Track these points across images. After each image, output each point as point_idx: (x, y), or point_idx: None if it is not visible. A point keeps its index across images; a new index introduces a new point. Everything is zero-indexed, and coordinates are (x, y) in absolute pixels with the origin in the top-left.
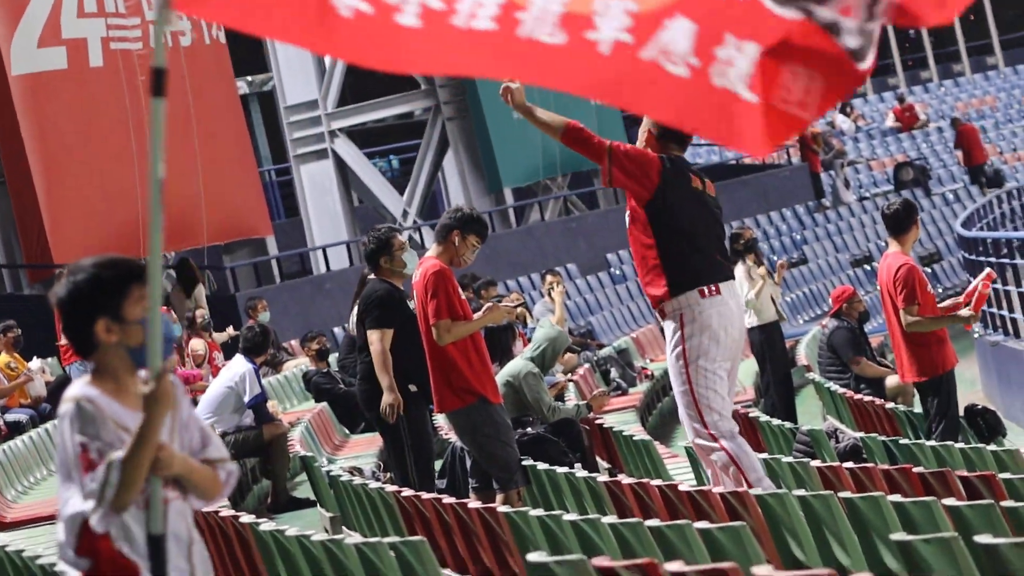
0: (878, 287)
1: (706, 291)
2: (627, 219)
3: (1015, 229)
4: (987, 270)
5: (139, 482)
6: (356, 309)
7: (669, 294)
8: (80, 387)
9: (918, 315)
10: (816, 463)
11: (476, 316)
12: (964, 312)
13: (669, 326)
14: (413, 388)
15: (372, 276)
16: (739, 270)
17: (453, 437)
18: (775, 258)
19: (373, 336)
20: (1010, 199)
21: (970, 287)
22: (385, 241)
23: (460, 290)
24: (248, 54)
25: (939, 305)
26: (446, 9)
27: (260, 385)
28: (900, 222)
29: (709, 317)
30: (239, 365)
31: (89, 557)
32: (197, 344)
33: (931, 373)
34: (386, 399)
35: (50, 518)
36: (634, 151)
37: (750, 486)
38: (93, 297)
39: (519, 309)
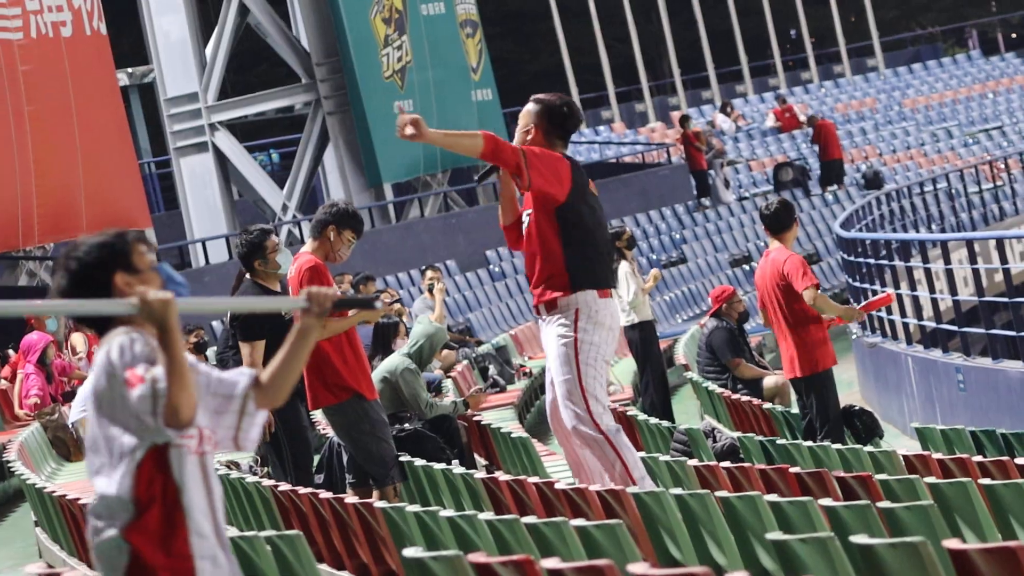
0: (755, 288)
1: (602, 293)
2: (525, 218)
3: (893, 231)
4: (888, 291)
5: (186, 377)
6: None
7: (570, 290)
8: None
9: (817, 295)
10: (693, 462)
11: (350, 313)
12: (855, 307)
13: (558, 320)
14: None
15: (247, 276)
16: (622, 268)
17: (330, 432)
18: (655, 257)
19: (244, 350)
20: (889, 200)
21: (873, 298)
22: (258, 244)
23: (334, 285)
24: (129, 47)
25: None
26: None
27: None
28: (780, 221)
29: (604, 316)
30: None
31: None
32: (77, 339)
33: (812, 370)
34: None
35: None
36: (545, 154)
37: (634, 482)
38: (103, 261)
39: (395, 306)
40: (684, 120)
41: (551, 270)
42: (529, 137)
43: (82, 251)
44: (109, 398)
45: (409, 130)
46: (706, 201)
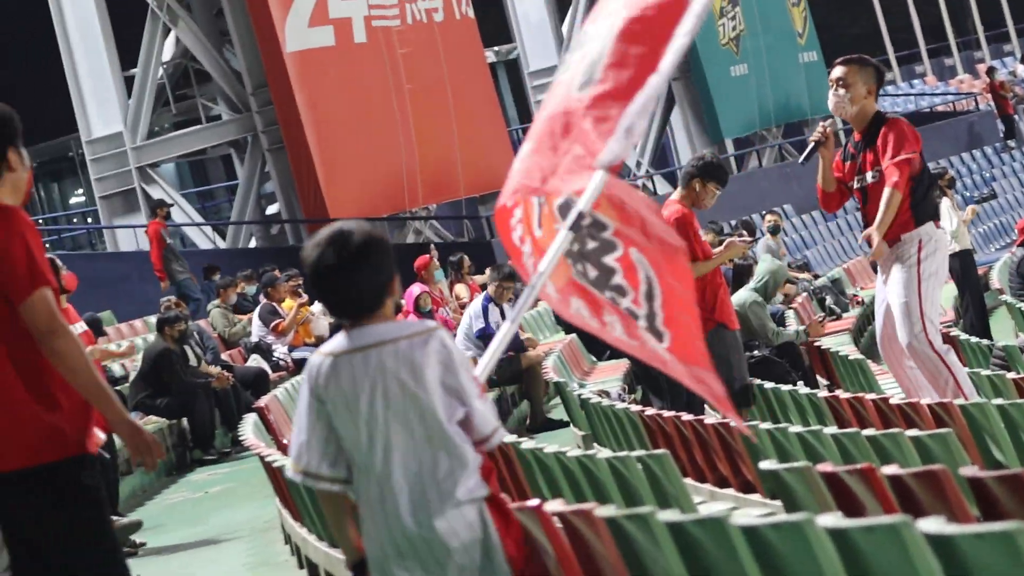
0: None
1: (937, 224)
2: (869, 179)
3: None
4: None
5: None
6: None
7: (915, 224)
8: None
9: None
10: (1011, 375)
11: (716, 252)
12: None
13: (905, 249)
14: None
15: None
16: (944, 204)
17: None
18: (968, 194)
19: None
20: None
21: None
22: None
23: (700, 231)
24: (495, 27)
25: None
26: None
27: (486, 319)
28: None
29: (941, 244)
30: (474, 303)
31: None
32: (461, 289)
33: None
34: None
35: None
36: (908, 129)
37: (965, 397)
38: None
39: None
40: (991, 72)
41: (899, 215)
42: (868, 97)
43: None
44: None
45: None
46: (1012, 143)
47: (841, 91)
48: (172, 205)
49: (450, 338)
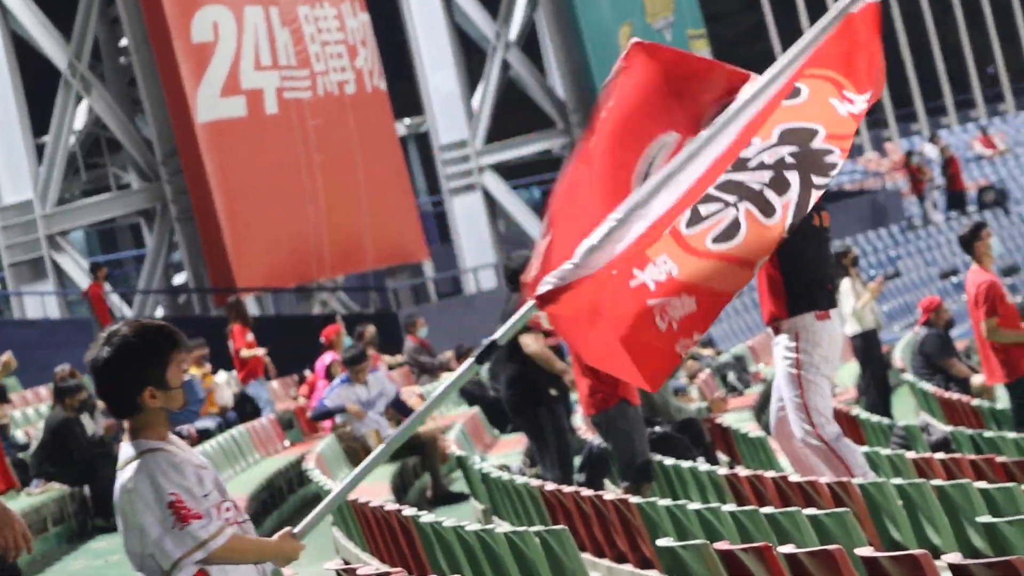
0: (965, 297)
1: (820, 315)
2: None
3: None
4: None
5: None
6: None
7: (788, 314)
8: (140, 446)
9: (997, 326)
10: (911, 455)
11: None
12: None
13: (784, 340)
14: (554, 392)
15: (514, 294)
16: (845, 283)
17: (589, 436)
18: (873, 272)
19: (527, 339)
20: None
21: None
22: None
23: None
24: (406, 99)
25: None
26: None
27: (335, 396)
28: (968, 243)
29: (822, 337)
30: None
31: None
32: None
33: (1014, 375)
34: (566, 378)
35: None
36: None
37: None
38: (140, 366)
39: None
40: (909, 155)
41: (775, 300)
42: None
43: (124, 345)
44: (153, 510)
45: None
46: (917, 222)
47: None
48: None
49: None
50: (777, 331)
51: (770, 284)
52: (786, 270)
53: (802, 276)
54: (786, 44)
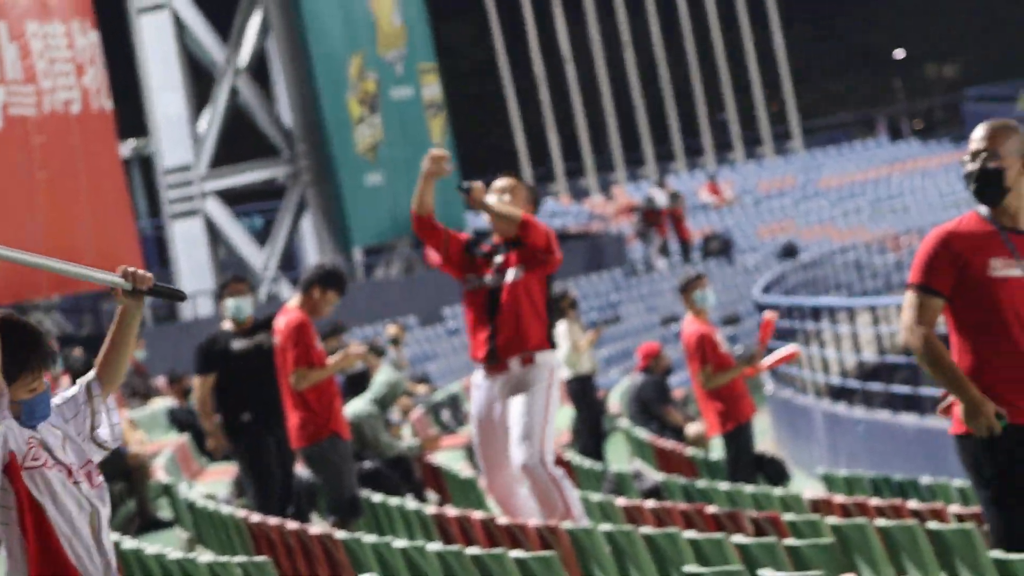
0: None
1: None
2: (511, 277)
3: (807, 295)
4: (792, 347)
5: None
6: None
7: (549, 346)
8: None
9: (712, 374)
10: (622, 501)
11: (329, 361)
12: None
13: (539, 371)
14: (247, 418)
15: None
16: (562, 326)
17: (300, 468)
18: (594, 316)
19: (195, 382)
20: (803, 269)
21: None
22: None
23: (317, 340)
24: (132, 120)
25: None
26: None
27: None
28: (682, 293)
29: (559, 373)
30: None
31: None
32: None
33: (731, 424)
34: (208, 443)
35: None
36: (550, 231)
37: (573, 518)
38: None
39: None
40: (650, 201)
41: (537, 330)
42: (511, 200)
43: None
44: None
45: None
46: (640, 267)
47: (506, 197)
48: None
49: None
50: (527, 363)
51: (533, 319)
52: (549, 307)
53: (552, 314)
54: (518, 80)
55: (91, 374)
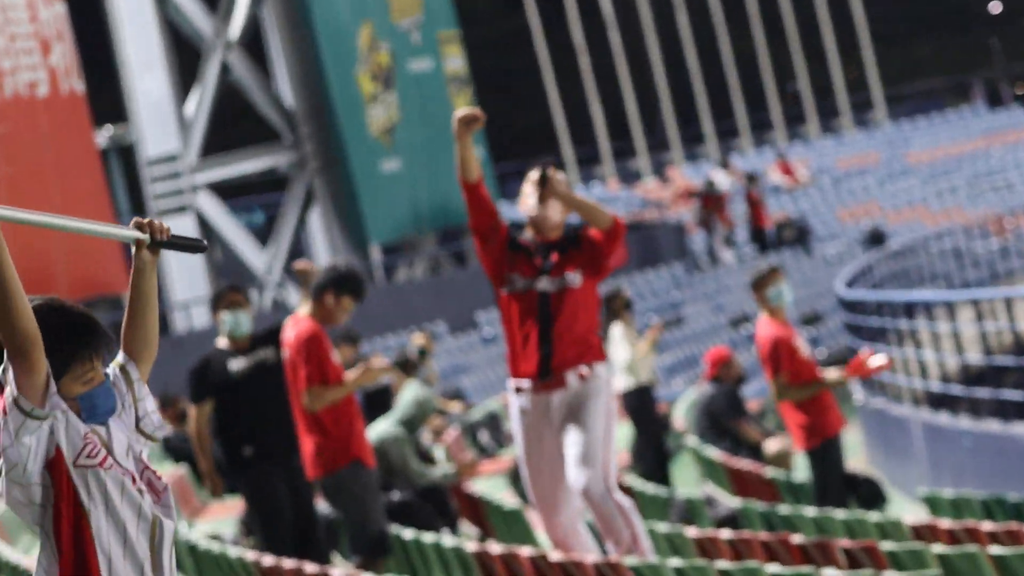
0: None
1: None
2: (569, 283)
3: (897, 290)
4: (885, 357)
5: None
6: None
7: (604, 354)
8: None
9: (786, 385)
10: (693, 531)
11: (347, 377)
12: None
13: (598, 382)
14: (249, 451)
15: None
16: (617, 331)
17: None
18: (650, 317)
19: (190, 413)
20: (892, 259)
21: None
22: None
23: (333, 352)
24: (109, 104)
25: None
26: None
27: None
28: (755, 290)
29: (615, 387)
30: None
31: None
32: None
33: (817, 440)
34: (205, 484)
35: None
36: None
37: (641, 551)
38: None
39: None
40: (710, 184)
41: (596, 340)
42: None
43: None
44: None
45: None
46: (704, 260)
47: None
48: None
49: None
50: (585, 378)
51: (590, 328)
52: (598, 317)
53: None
54: (555, 49)
55: (121, 357)
